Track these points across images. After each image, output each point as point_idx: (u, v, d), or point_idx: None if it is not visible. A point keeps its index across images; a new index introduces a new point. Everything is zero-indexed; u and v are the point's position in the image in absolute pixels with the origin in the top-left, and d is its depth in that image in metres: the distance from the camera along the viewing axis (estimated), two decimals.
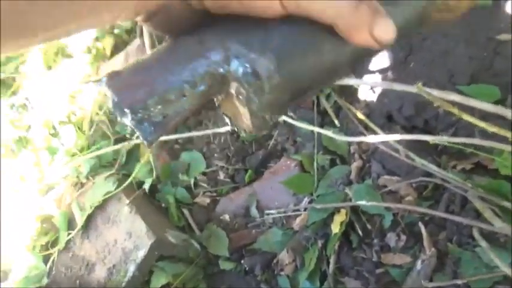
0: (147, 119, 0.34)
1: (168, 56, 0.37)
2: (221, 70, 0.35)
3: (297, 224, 1.21)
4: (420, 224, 1.07)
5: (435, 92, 0.91)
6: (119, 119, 0.35)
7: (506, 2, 1.17)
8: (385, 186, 1.13)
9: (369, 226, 1.14)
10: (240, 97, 0.36)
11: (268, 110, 0.38)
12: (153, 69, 0.37)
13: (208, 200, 1.36)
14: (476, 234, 0.97)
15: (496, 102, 1.11)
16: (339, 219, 1.15)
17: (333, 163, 1.23)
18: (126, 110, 0.34)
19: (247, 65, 0.36)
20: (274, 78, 0.37)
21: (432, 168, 1.03)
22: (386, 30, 0.37)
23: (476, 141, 0.96)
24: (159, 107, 0.35)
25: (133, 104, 0.34)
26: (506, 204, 0.92)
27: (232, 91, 0.37)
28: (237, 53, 0.36)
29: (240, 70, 0.36)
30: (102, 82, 0.35)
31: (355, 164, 1.18)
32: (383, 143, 1.11)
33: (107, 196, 1.36)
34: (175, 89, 0.35)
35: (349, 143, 1.21)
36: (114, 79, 0.36)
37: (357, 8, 0.35)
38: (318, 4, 0.35)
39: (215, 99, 0.42)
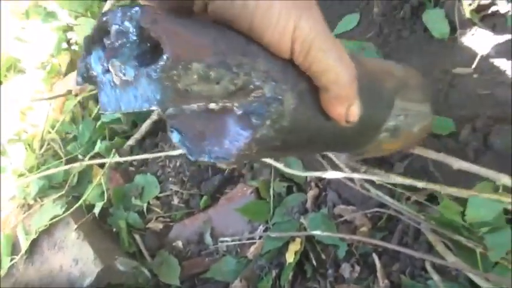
0: (170, 79, 0.29)
1: (224, 34, 0.34)
2: (257, 83, 0.34)
3: (251, 252, 1.18)
4: (374, 255, 1.06)
5: None
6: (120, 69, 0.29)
7: (462, 35, 1.20)
8: (341, 216, 1.12)
9: (323, 256, 1.12)
10: (253, 118, 0.35)
11: (257, 147, 0.37)
12: (215, 34, 0.33)
13: (161, 226, 1.31)
14: (428, 267, 0.97)
15: (450, 135, 1.12)
16: (294, 248, 1.13)
17: (289, 190, 1.21)
18: (168, 56, 0.28)
19: (277, 91, 0.35)
20: (285, 119, 0.37)
21: (386, 199, 1.03)
22: (357, 111, 0.41)
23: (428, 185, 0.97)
24: (194, 76, 0.30)
25: (184, 56, 0.29)
26: (458, 238, 0.93)
27: (237, 109, 0.35)
28: (277, 76, 0.35)
29: (271, 92, 0.35)
30: (134, 11, 0.29)
31: (311, 193, 1.17)
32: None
33: (54, 220, 1.30)
34: (222, 69, 0.32)
35: None
36: (160, 21, 0.30)
37: (353, 82, 0.38)
38: (325, 62, 0.36)
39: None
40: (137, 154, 1.42)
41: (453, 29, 1.19)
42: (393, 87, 0.50)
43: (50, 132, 1.51)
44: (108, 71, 0.31)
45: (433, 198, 1.05)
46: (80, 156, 1.47)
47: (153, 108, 0.31)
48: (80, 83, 0.35)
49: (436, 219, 0.96)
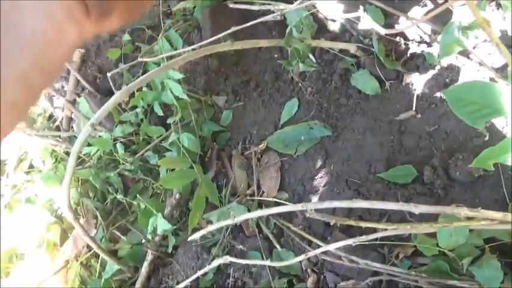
0: None
1: None
2: None
3: None
4: None
5: (343, 203, 0.95)
6: None
7: (392, 85, 1.25)
8: None
9: None
10: None
11: None
12: None
13: None
14: None
15: (415, 180, 1.15)
16: None
17: (290, 284, 1.22)
18: None
19: None
20: None
21: (375, 265, 1.04)
22: None
23: (406, 229, 0.98)
24: None
25: None
26: (452, 282, 0.93)
27: None
28: None
29: None
30: None
31: (310, 280, 1.17)
32: (325, 253, 1.12)
33: None
34: None
35: (301, 261, 1.21)
36: None
37: None
38: None
39: None
40: None
41: (383, 82, 1.26)
42: None
43: None
44: None
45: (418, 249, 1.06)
46: None
47: None
48: None
49: (426, 271, 0.97)
